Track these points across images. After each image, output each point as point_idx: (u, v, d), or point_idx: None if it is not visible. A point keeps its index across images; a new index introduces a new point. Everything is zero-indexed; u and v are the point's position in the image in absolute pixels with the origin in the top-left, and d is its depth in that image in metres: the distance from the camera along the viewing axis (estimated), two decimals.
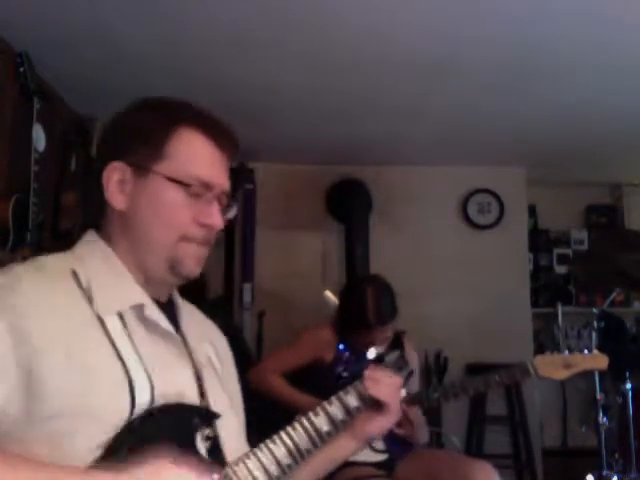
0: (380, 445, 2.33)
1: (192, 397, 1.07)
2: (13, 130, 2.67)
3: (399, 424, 2.34)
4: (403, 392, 1.34)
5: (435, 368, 4.13)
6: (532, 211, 4.87)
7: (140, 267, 1.09)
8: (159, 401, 0.98)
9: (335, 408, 1.22)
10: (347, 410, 1.24)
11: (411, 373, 1.46)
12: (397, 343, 2.54)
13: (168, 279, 1.11)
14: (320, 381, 2.44)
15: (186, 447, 1.00)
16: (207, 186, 1.09)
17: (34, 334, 0.91)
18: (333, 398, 1.24)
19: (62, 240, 3.03)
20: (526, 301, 4.47)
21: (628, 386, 3.23)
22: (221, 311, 3.92)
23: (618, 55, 2.82)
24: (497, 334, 4.21)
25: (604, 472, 3.08)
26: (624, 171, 4.73)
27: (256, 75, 3.04)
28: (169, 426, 0.99)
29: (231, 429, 1.13)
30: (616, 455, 3.35)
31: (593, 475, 3.07)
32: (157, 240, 1.08)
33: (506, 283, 4.37)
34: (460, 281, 4.33)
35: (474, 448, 4.09)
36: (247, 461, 1.07)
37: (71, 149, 3.27)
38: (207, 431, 1.04)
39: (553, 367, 1.90)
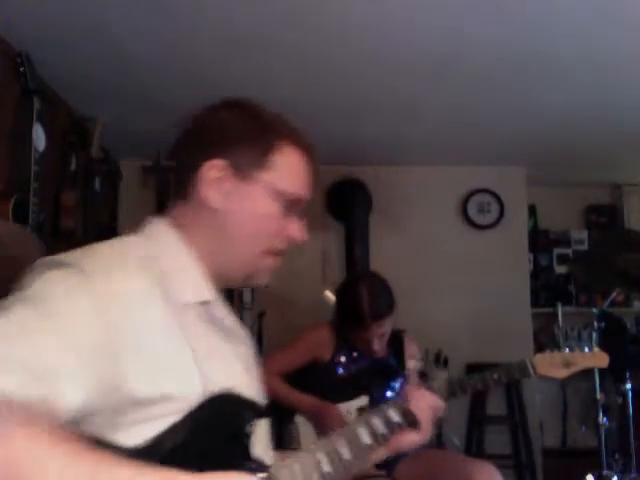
0: None
1: (244, 392, 1.07)
2: (13, 130, 2.67)
3: None
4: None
5: (435, 368, 4.13)
6: (532, 211, 4.87)
7: (215, 264, 1.08)
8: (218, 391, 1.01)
9: (378, 421, 1.24)
10: (389, 424, 1.25)
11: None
12: (396, 342, 2.54)
13: (236, 283, 1.14)
14: (319, 380, 2.45)
15: (236, 438, 1.01)
16: (300, 202, 1.12)
17: (120, 323, 0.90)
18: (376, 410, 1.26)
19: (62, 240, 3.03)
20: (526, 301, 4.47)
21: (628, 386, 3.24)
22: None
23: (618, 55, 2.82)
24: (497, 334, 4.21)
25: (604, 472, 3.08)
26: (624, 171, 4.73)
27: (256, 74, 3.04)
28: (223, 416, 1.00)
29: (263, 431, 1.14)
30: (616, 455, 3.35)
31: (593, 475, 3.07)
32: (246, 246, 1.09)
33: (506, 283, 4.37)
34: (460, 281, 4.33)
35: (474, 448, 4.09)
36: (292, 464, 1.05)
37: (71, 149, 3.27)
38: (251, 427, 1.04)
39: (552, 365, 1.89)
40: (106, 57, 2.85)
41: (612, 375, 3.49)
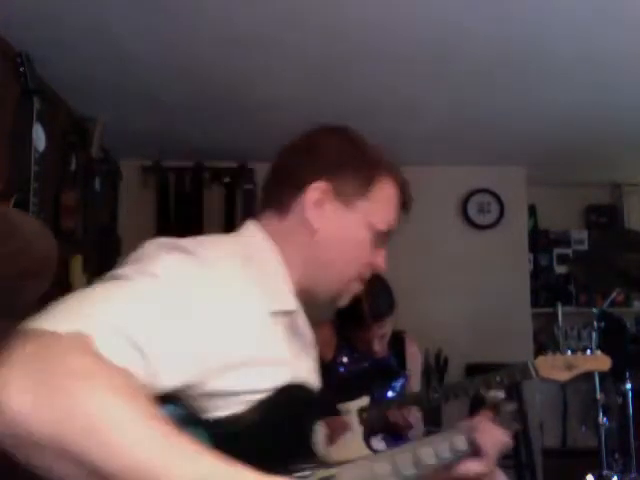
0: (381, 446, 2.33)
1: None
2: (13, 130, 2.67)
3: (399, 427, 2.34)
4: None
5: (435, 368, 4.13)
6: (532, 211, 4.87)
7: (302, 281, 1.11)
8: None
9: (443, 447, 1.25)
10: (454, 451, 1.27)
11: (517, 429, 1.48)
12: (397, 342, 2.54)
13: (319, 301, 1.15)
14: (321, 380, 2.44)
15: (302, 433, 1.03)
16: (389, 234, 1.17)
17: (229, 316, 0.91)
18: (443, 434, 1.28)
19: (62, 240, 3.03)
20: (526, 301, 4.47)
21: (628, 386, 3.23)
22: None
23: (618, 55, 2.82)
24: (497, 334, 4.21)
25: (604, 472, 3.08)
26: (624, 171, 4.73)
27: (255, 74, 3.04)
28: (293, 408, 1.01)
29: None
30: (616, 455, 3.35)
31: (593, 475, 3.07)
32: (338, 270, 1.13)
33: (506, 283, 4.37)
34: (460, 281, 4.33)
35: None
36: (355, 468, 1.06)
37: (71, 149, 3.27)
38: (317, 423, 1.08)
39: (555, 368, 1.89)
40: (106, 57, 2.85)
41: (612, 375, 3.49)
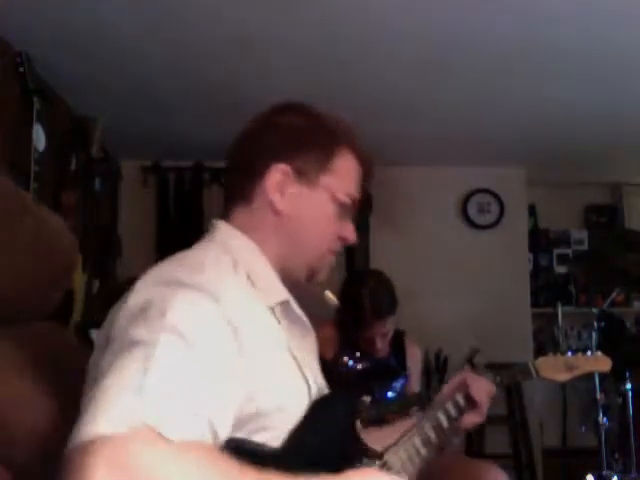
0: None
1: (326, 389, 1.14)
2: (13, 130, 2.67)
3: None
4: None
5: (435, 368, 4.13)
6: (532, 211, 4.87)
7: (281, 265, 1.10)
8: (317, 393, 1.06)
9: (450, 406, 1.39)
10: (458, 408, 1.40)
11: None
12: (397, 342, 2.54)
13: (299, 282, 1.15)
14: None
15: (349, 432, 1.08)
16: (354, 205, 1.17)
17: (247, 340, 0.90)
18: (446, 397, 1.42)
19: None
20: (526, 301, 4.47)
21: (628, 386, 3.23)
22: None
23: (618, 55, 2.82)
24: (497, 334, 4.21)
25: (604, 472, 3.08)
26: (624, 171, 4.73)
27: (255, 73, 3.04)
28: (335, 415, 1.06)
29: None
30: (616, 455, 3.35)
31: (593, 475, 3.07)
32: (311, 248, 1.13)
33: (506, 283, 4.37)
34: (460, 281, 4.33)
35: (474, 448, 4.08)
36: (398, 450, 1.15)
37: (71, 149, 3.27)
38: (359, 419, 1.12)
39: (555, 369, 1.89)
40: (106, 57, 2.85)
41: (612, 375, 3.49)
